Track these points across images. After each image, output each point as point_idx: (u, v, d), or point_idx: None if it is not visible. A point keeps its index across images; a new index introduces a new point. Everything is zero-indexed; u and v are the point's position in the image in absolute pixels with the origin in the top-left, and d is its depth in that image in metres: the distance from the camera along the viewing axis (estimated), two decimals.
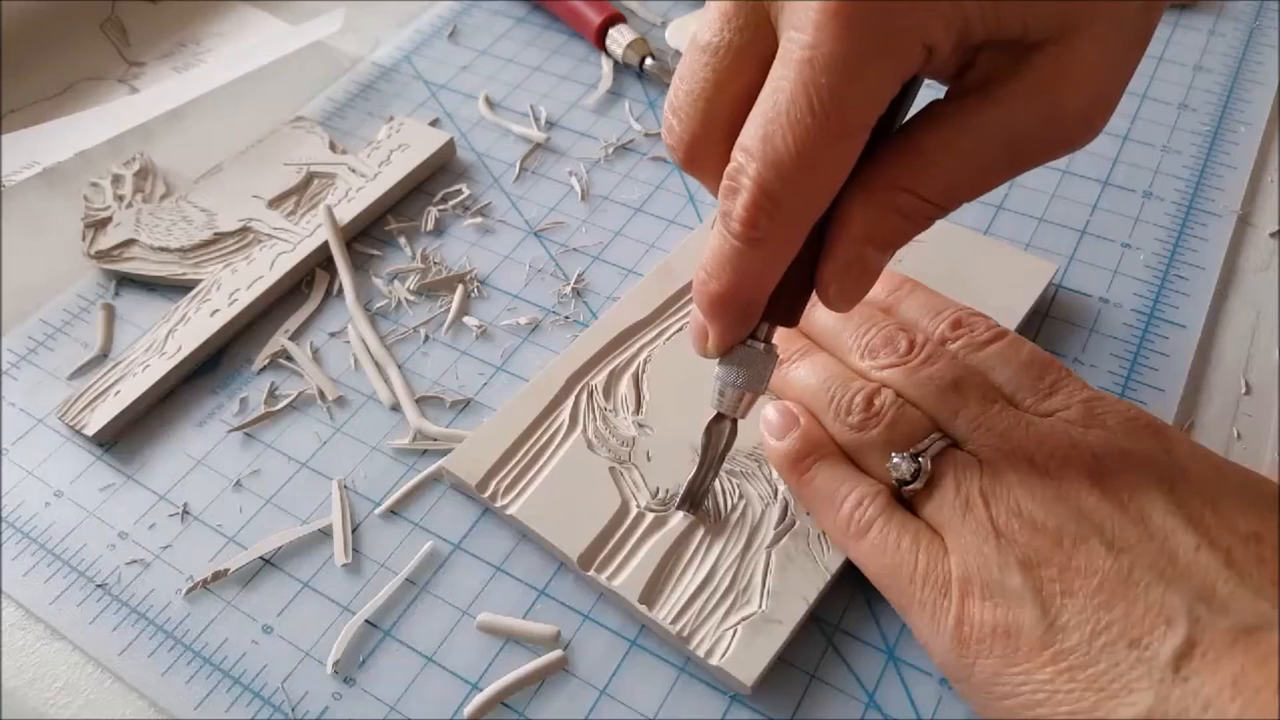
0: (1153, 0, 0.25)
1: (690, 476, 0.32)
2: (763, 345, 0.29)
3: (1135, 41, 0.25)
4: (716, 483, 0.34)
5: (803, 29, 0.23)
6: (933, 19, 0.23)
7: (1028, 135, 0.25)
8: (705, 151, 0.27)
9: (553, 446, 0.35)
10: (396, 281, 0.42)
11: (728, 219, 0.25)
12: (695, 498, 0.32)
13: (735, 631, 0.30)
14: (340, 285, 0.42)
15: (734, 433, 0.32)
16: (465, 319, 0.41)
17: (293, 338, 0.40)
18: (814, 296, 0.29)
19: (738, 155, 0.25)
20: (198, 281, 0.42)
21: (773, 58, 0.24)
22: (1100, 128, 0.26)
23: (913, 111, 0.27)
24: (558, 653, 0.31)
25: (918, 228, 0.27)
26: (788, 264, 0.27)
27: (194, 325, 0.40)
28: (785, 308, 0.29)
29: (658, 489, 0.34)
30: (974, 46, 0.24)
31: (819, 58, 0.23)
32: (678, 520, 0.33)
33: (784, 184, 0.24)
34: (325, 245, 0.43)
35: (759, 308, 0.28)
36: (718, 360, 0.30)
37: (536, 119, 0.49)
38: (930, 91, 0.26)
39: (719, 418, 0.31)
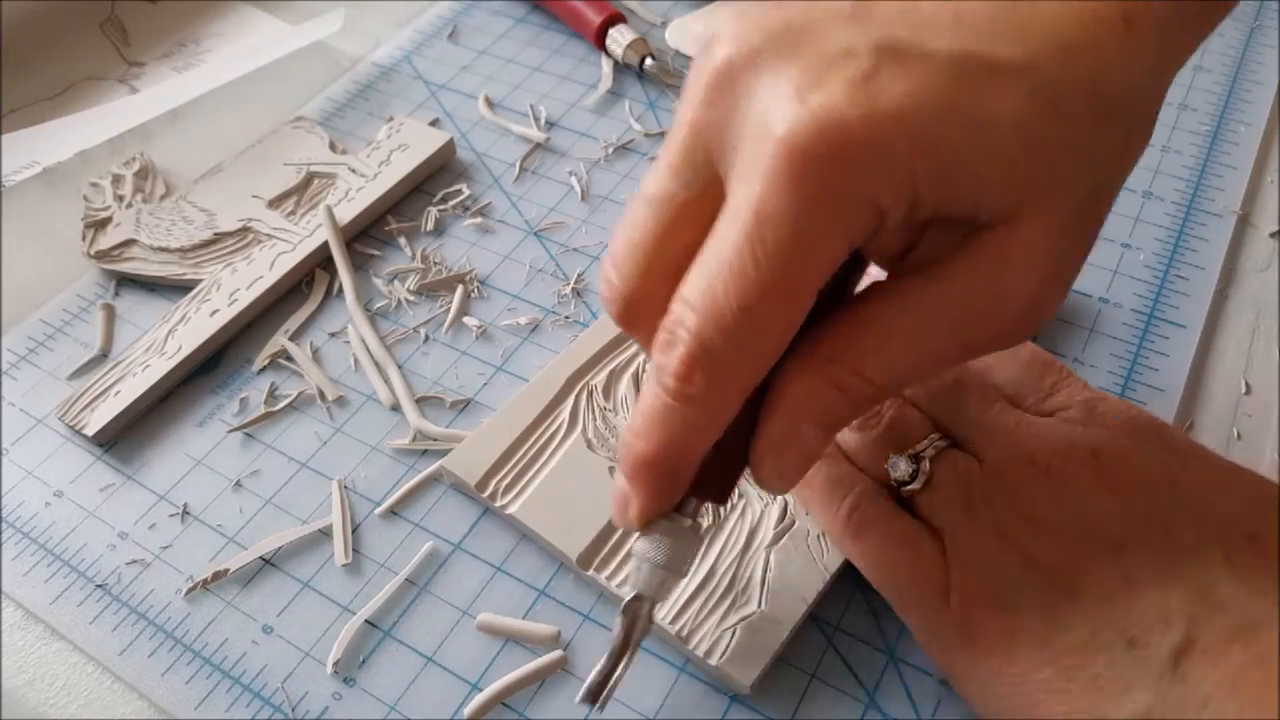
0: (1104, 185, 0.24)
1: (600, 666, 0.27)
2: (689, 522, 0.27)
3: (1085, 231, 0.25)
4: None
5: (752, 182, 0.22)
6: (884, 178, 0.22)
7: (972, 317, 0.24)
8: (645, 307, 0.25)
9: (552, 446, 0.35)
10: (396, 281, 0.42)
11: (662, 373, 0.24)
12: (602, 690, 0.27)
13: (734, 631, 0.30)
14: (340, 285, 0.42)
15: (651, 616, 0.28)
16: (465, 319, 0.41)
17: (293, 338, 0.40)
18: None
19: (676, 307, 0.24)
20: (198, 281, 0.42)
21: (718, 213, 0.23)
22: (1048, 315, 0.25)
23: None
24: (558, 653, 0.31)
25: (856, 408, 0.25)
26: (721, 428, 0.25)
27: (194, 325, 0.40)
28: (716, 482, 0.27)
29: None
30: (921, 224, 0.24)
31: (767, 212, 0.22)
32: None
33: (723, 339, 0.23)
34: (325, 245, 0.43)
35: (688, 474, 0.26)
36: (637, 535, 0.27)
37: (536, 119, 0.49)
38: None
39: (636, 598, 0.27)
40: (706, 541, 0.32)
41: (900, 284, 0.25)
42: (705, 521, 0.28)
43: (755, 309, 0.23)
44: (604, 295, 0.26)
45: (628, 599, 0.27)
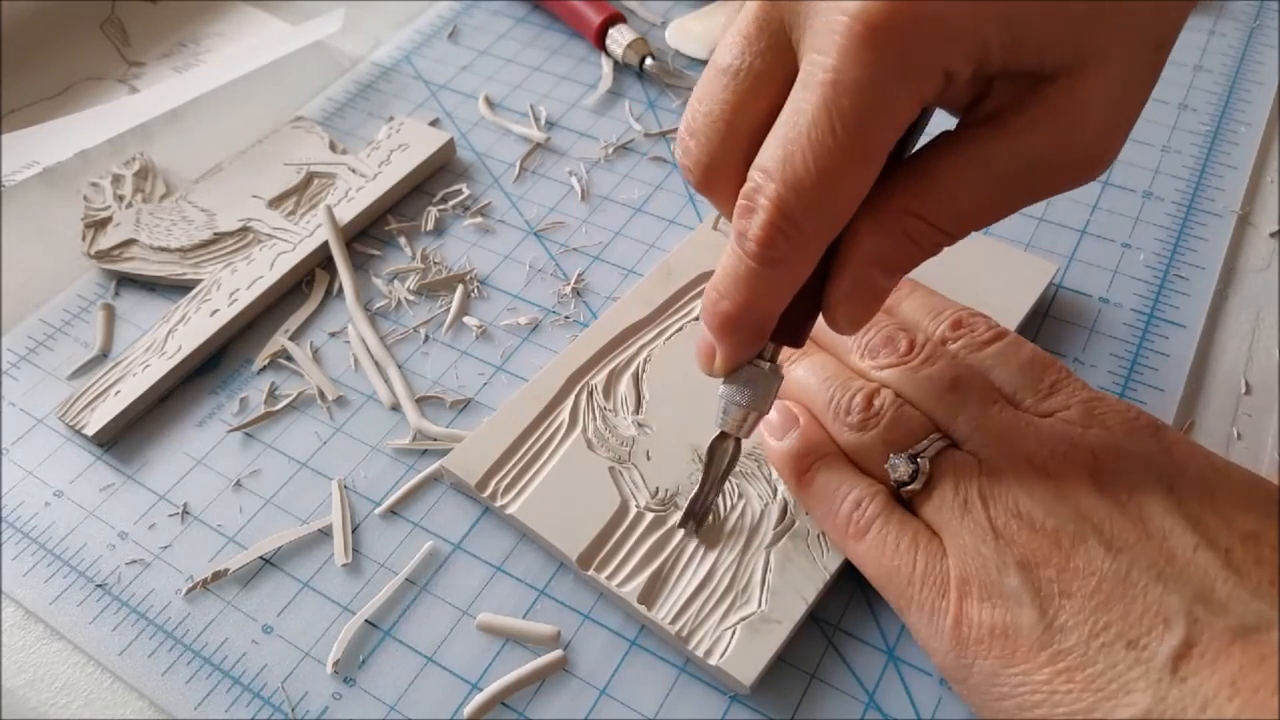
0: (1165, 37, 0.25)
1: (692, 494, 0.32)
2: (768, 365, 0.29)
3: (1147, 77, 0.25)
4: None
5: (826, 52, 0.23)
6: (954, 46, 0.23)
7: (1039, 165, 0.25)
8: (722, 173, 0.27)
9: (552, 446, 0.35)
10: (396, 281, 0.42)
11: (743, 239, 0.25)
12: (698, 516, 0.32)
13: (734, 631, 0.30)
14: (340, 285, 0.42)
15: (738, 451, 0.31)
16: (465, 319, 0.41)
17: (293, 338, 0.40)
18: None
19: (755, 175, 0.25)
20: (198, 281, 0.42)
21: (792, 82, 0.24)
22: (1110, 160, 0.26)
23: (924, 140, 0.27)
24: (558, 653, 0.31)
25: (926, 253, 0.27)
26: (800, 284, 0.27)
27: (194, 325, 0.40)
28: (792, 329, 0.29)
29: (657, 489, 0.34)
30: (989, 77, 0.25)
31: (842, 81, 0.23)
32: (677, 520, 0.33)
33: (802, 205, 0.24)
34: (325, 245, 0.43)
35: (769, 328, 0.28)
36: (723, 379, 0.30)
37: (536, 119, 0.49)
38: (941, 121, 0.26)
39: (722, 436, 0.31)
40: (706, 542, 0.32)
41: (968, 135, 0.26)
42: (783, 365, 0.31)
43: (832, 175, 0.24)
44: (682, 163, 0.28)
45: (714, 438, 0.31)
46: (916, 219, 0.26)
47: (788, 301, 0.27)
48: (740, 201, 0.25)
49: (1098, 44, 0.24)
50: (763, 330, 0.28)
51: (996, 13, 0.23)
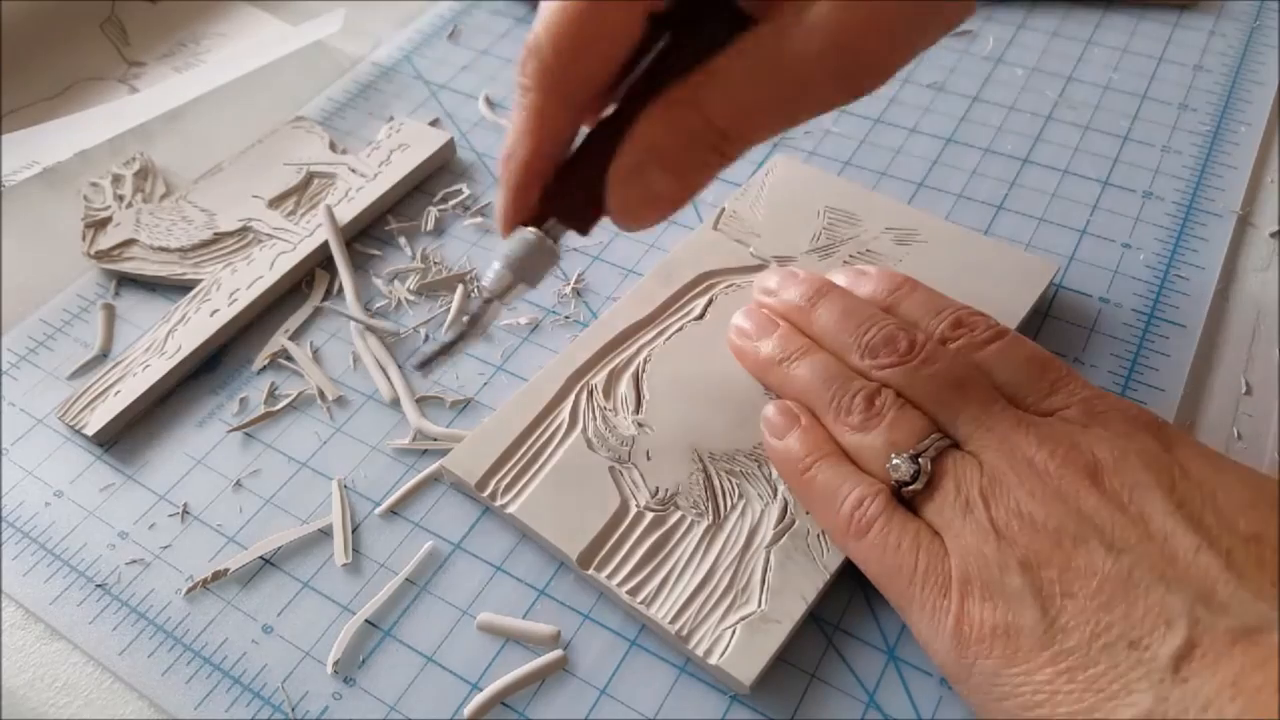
0: None
1: (439, 339, 0.32)
2: (547, 240, 0.30)
3: None
4: (716, 481, 0.34)
5: None
6: None
7: (801, 60, 0.26)
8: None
9: (552, 446, 0.35)
10: (396, 281, 0.42)
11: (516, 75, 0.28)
12: (430, 361, 0.32)
13: (734, 631, 0.30)
14: (340, 285, 0.42)
15: (496, 313, 0.31)
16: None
17: (293, 338, 0.40)
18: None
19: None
20: (198, 281, 0.42)
21: None
22: (879, 72, 0.27)
23: None
24: (558, 653, 0.31)
25: (702, 155, 0.27)
26: (559, 133, 0.28)
27: (194, 325, 0.40)
28: (574, 210, 0.29)
29: (657, 489, 0.34)
30: None
31: None
32: (677, 519, 0.33)
33: (550, 39, 0.26)
34: (325, 245, 0.43)
35: (534, 178, 0.29)
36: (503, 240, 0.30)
37: None
38: None
39: (485, 298, 0.31)
40: (706, 541, 0.32)
41: (750, 33, 0.26)
42: (560, 244, 0.30)
43: (578, 15, 0.26)
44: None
45: (481, 296, 0.31)
46: (690, 108, 0.27)
47: (550, 151, 0.28)
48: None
49: None
50: (529, 179, 0.29)
51: None
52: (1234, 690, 0.23)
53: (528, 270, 0.30)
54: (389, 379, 0.39)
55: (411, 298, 0.42)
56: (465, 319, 0.31)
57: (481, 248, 0.44)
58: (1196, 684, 0.23)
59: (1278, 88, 0.48)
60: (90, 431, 0.37)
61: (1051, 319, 0.39)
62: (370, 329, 0.40)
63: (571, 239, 0.43)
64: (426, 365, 0.32)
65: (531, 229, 0.29)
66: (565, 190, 0.29)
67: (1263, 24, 0.52)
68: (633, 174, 0.28)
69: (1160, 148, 0.46)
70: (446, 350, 0.31)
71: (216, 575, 0.33)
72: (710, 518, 0.33)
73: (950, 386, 0.31)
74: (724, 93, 0.26)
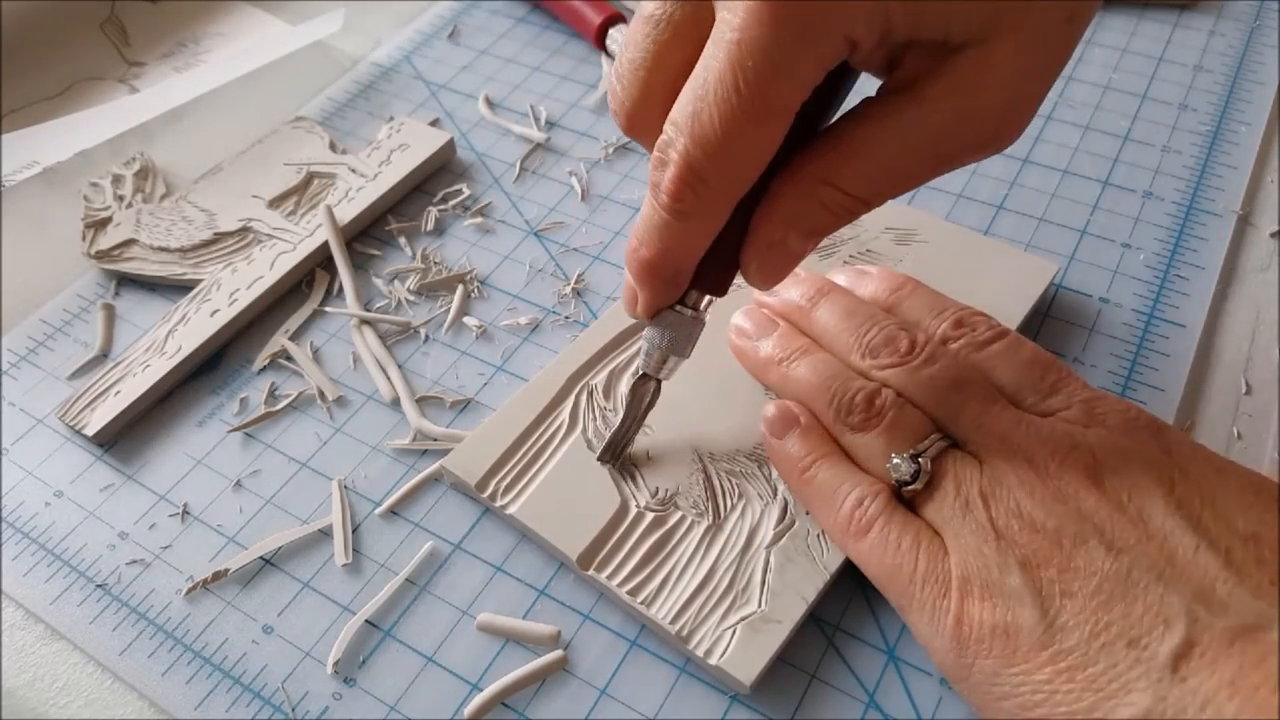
0: (1077, 10, 0.25)
1: (613, 430, 0.34)
2: (690, 312, 0.31)
3: (1056, 52, 0.26)
4: (716, 481, 0.34)
5: (734, 11, 0.24)
6: (856, 14, 0.23)
7: (947, 134, 0.26)
8: (644, 119, 0.28)
9: (552, 446, 0.35)
10: (396, 281, 0.42)
11: (656, 190, 0.27)
12: (616, 450, 0.34)
13: (734, 631, 0.30)
14: (340, 285, 0.42)
15: (657, 392, 0.33)
16: (465, 319, 0.41)
17: (293, 338, 0.40)
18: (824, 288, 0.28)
19: (668, 129, 0.26)
20: (198, 281, 0.42)
21: (708, 34, 0.25)
22: (1015, 134, 0.27)
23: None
24: (558, 653, 0.31)
25: (839, 220, 0.28)
26: (713, 237, 0.28)
27: (194, 325, 0.40)
28: (713, 279, 0.30)
29: (657, 489, 0.34)
30: (901, 45, 0.25)
31: (747, 40, 0.24)
32: (677, 519, 0.33)
33: (709, 161, 0.25)
34: (325, 245, 0.43)
35: (686, 276, 0.29)
36: (647, 323, 0.31)
37: (536, 119, 0.49)
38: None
39: (644, 378, 0.32)
40: (707, 542, 0.32)
41: (881, 104, 0.26)
42: (706, 311, 0.31)
43: (736, 133, 0.25)
44: (611, 108, 0.29)
45: (636, 378, 0.33)
46: (828, 185, 0.27)
47: (701, 252, 0.28)
48: (655, 154, 0.26)
49: (1004, 16, 0.24)
50: (680, 277, 0.29)
51: None
52: (1233, 689, 0.23)
53: (681, 344, 0.31)
54: (389, 379, 0.39)
55: (411, 298, 0.42)
56: (627, 401, 0.33)
57: (481, 248, 0.44)
58: (1195, 683, 0.23)
59: (1278, 88, 0.48)
60: (90, 431, 0.37)
61: (1051, 319, 0.39)
62: (375, 323, 0.40)
63: (572, 240, 0.44)
64: (613, 455, 0.34)
65: (676, 307, 0.30)
66: (704, 265, 0.29)
67: (1263, 24, 0.52)
68: (773, 248, 0.28)
69: (1160, 148, 0.46)
70: (623, 437, 0.34)
71: (217, 575, 0.33)
72: (710, 518, 0.33)
73: (951, 387, 0.31)
74: (861, 168, 0.26)
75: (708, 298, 0.31)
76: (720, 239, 0.28)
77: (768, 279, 0.29)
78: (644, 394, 0.33)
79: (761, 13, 0.23)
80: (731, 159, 0.25)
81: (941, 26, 0.24)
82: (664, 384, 0.33)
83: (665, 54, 0.27)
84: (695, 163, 0.25)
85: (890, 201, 0.42)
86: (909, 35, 0.24)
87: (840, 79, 0.27)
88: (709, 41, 0.25)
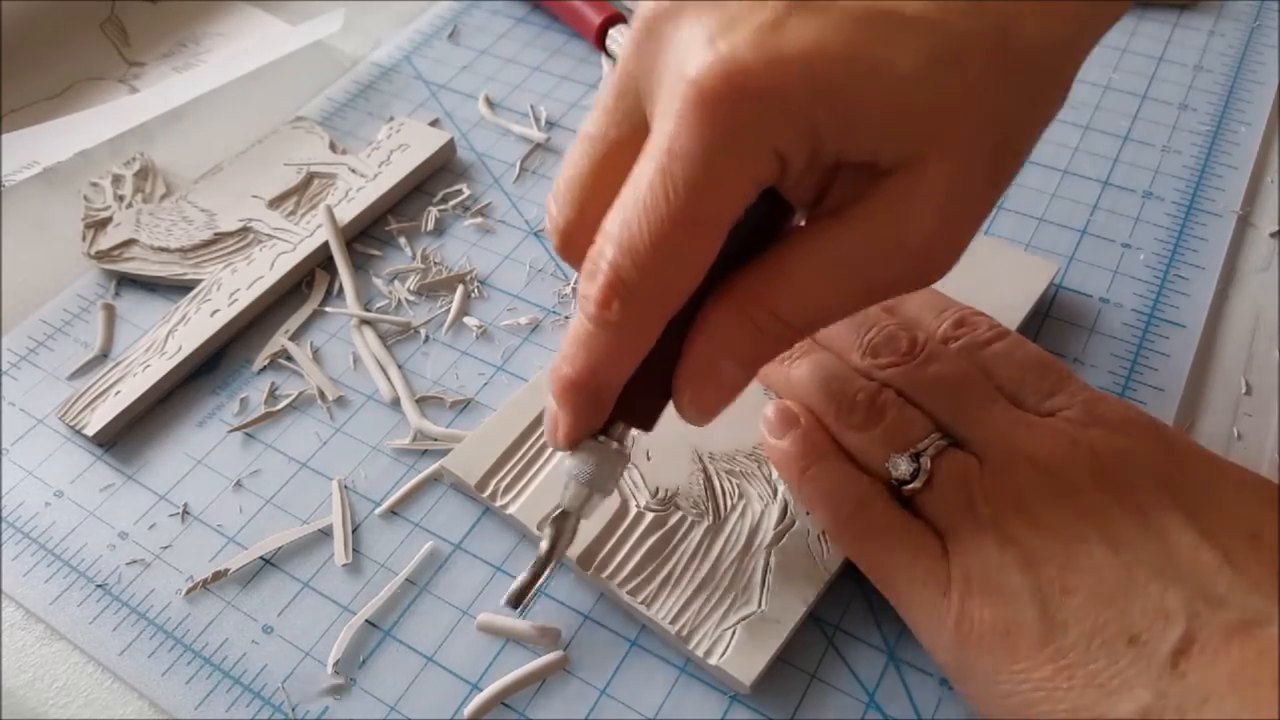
0: (1007, 139, 0.25)
1: (525, 573, 0.29)
2: (614, 444, 0.28)
3: (989, 177, 0.25)
4: (716, 481, 0.34)
5: (666, 121, 0.23)
6: (783, 125, 0.23)
7: (876, 260, 0.25)
8: (577, 239, 0.27)
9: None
10: (396, 281, 0.42)
11: (584, 301, 0.25)
12: (524, 595, 0.29)
13: (734, 631, 0.30)
14: (340, 285, 0.42)
15: (575, 530, 0.29)
16: (465, 319, 0.41)
17: (293, 338, 0.40)
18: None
19: (598, 240, 0.25)
20: (198, 281, 0.42)
21: None
22: (944, 266, 0.26)
23: None
24: (558, 653, 0.31)
25: (772, 346, 0.26)
26: (640, 355, 0.26)
27: (194, 325, 0.40)
28: (640, 409, 0.28)
29: (657, 489, 0.34)
30: (830, 168, 0.25)
31: (675, 149, 0.23)
32: (677, 519, 0.33)
33: (637, 271, 0.24)
34: (325, 245, 0.43)
35: (610, 398, 0.27)
36: (567, 455, 0.29)
37: (536, 119, 0.49)
38: None
39: (563, 514, 0.29)
40: (707, 542, 0.32)
41: (813, 227, 0.26)
42: (631, 445, 0.29)
43: (666, 242, 0.24)
44: (546, 227, 0.28)
45: (555, 514, 0.29)
46: (761, 308, 0.26)
47: (628, 372, 0.27)
48: (586, 265, 0.25)
49: (932, 140, 0.24)
50: (604, 400, 0.27)
51: (828, 98, 0.23)
52: (1232, 685, 0.23)
53: (603, 480, 0.29)
54: (389, 379, 0.39)
55: (411, 298, 0.42)
56: (544, 546, 0.29)
57: (481, 248, 0.44)
58: (1195, 679, 0.23)
59: (1278, 88, 0.48)
60: (90, 432, 0.37)
61: (1051, 319, 0.39)
62: (376, 323, 0.40)
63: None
64: (520, 601, 0.29)
65: (600, 438, 0.28)
66: (630, 394, 0.27)
67: (1263, 24, 0.52)
68: (705, 373, 0.27)
69: (1160, 148, 0.46)
70: (534, 580, 0.29)
71: (217, 575, 0.33)
72: (710, 518, 0.33)
73: (951, 386, 0.31)
74: (792, 293, 0.26)
75: (633, 431, 0.29)
76: (649, 364, 0.26)
77: (702, 411, 0.28)
78: (561, 531, 0.29)
79: (691, 121, 0.23)
80: (660, 270, 0.24)
81: (870, 147, 0.24)
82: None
83: (602, 173, 0.26)
84: (624, 272, 0.24)
85: None
86: (838, 154, 0.24)
87: (778, 208, 0.26)
88: (642, 153, 0.24)
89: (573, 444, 0.28)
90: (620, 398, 0.27)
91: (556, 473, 0.34)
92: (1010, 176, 0.26)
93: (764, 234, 0.27)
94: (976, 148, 0.24)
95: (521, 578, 0.29)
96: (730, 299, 0.26)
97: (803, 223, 0.27)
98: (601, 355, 0.26)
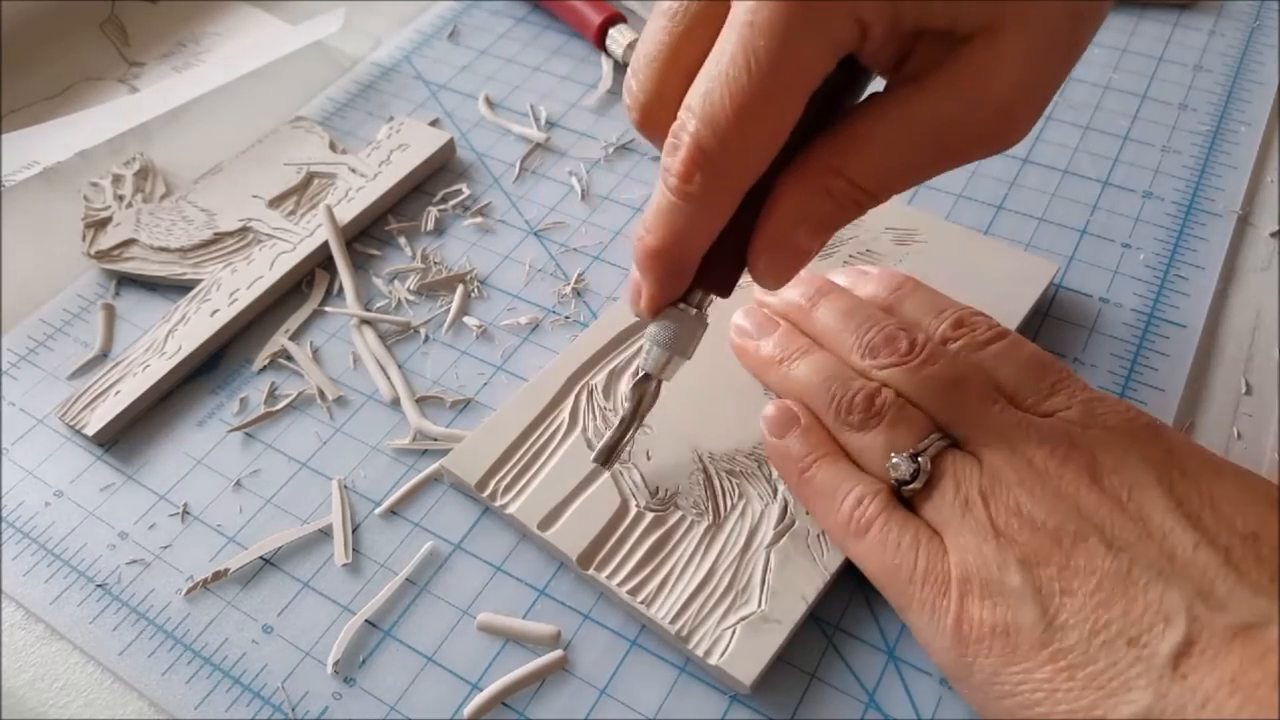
0: (1083, 9, 0.25)
1: (610, 432, 0.32)
2: (694, 310, 0.30)
3: (1065, 44, 0.26)
4: (716, 481, 0.34)
5: None
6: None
7: (953, 126, 0.26)
8: (658, 114, 0.27)
9: (552, 446, 0.35)
10: (396, 281, 0.42)
11: (666, 173, 0.26)
12: (612, 453, 0.32)
13: (734, 631, 0.30)
14: (340, 285, 0.42)
15: (657, 393, 0.32)
16: (465, 319, 0.41)
17: (293, 338, 0.40)
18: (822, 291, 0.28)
19: (681, 113, 0.26)
20: (198, 281, 0.42)
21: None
22: (1024, 127, 0.26)
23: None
24: (558, 653, 0.31)
25: (847, 213, 0.27)
26: (720, 225, 0.27)
27: (194, 325, 0.40)
28: (719, 277, 0.30)
29: (657, 489, 0.34)
30: (910, 35, 0.25)
31: (758, 22, 0.24)
32: (677, 519, 0.33)
33: (718, 142, 0.25)
34: (325, 245, 0.43)
35: (691, 267, 0.29)
36: (650, 320, 0.31)
37: (536, 119, 0.49)
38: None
39: (646, 377, 0.31)
40: (707, 541, 0.32)
41: (889, 95, 0.26)
42: (709, 311, 0.31)
43: (748, 113, 0.24)
44: (625, 103, 0.28)
45: (638, 378, 0.31)
46: (836, 175, 0.26)
47: (707, 242, 0.28)
48: (668, 139, 0.26)
49: (1011, 8, 0.24)
50: (685, 269, 0.29)
51: None
52: (1233, 686, 0.23)
53: (684, 343, 0.30)
54: (389, 379, 0.39)
55: (411, 298, 0.42)
56: (628, 406, 0.32)
57: (481, 247, 0.44)
58: (1195, 680, 0.23)
59: (1278, 88, 0.48)
60: (90, 431, 0.37)
61: (1051, 319, 0.39)
62: (376, 322, 0.40)
63: (572, 240, 0.44)
64: (609, 458, 0.32)
65: (680, 305, 0.30)
66: (710, 262, 0.29)
67: (1263, 24, 0.52)
68: (781, 241, 0.28)
69: (1160, 148, 0.46)
70: (620, 438, 0.32)
71: (216, 575, 0.33)
72: (710, 518, 0.33)
73: (950, 386, 0.31)
74: (869, 158, 0.26)
75: (711, 297, 0.30)
76: (727, 234, 0.28)
77: (776, 277, 0.29)
78: (644, 393, 0.32)
79: None
80: (741, 142, 0.25)
81: (947, 15, 0.24)
82: (665, 384, 0.33)
83: (681, 47, 0.27)
84: (705, 144, 0.25)
85: (890, 201, 0.42)
86: (917, 23, 0.24)
87: (853, 79, 0.27)
88: (725, 26, 0.25)
89: (655, 310, 0.30)
90: (701, 268, 0.29)
91: (557, 472, 0.34)
92: (1087, 39, 0.26)
93: (839, 104, 0.27)
94: (1056, 15, 0.25)
95: (608, 436, 0.32)
96: (806, 168, 0.27)
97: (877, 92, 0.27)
98: (683, 226, 0.27)
